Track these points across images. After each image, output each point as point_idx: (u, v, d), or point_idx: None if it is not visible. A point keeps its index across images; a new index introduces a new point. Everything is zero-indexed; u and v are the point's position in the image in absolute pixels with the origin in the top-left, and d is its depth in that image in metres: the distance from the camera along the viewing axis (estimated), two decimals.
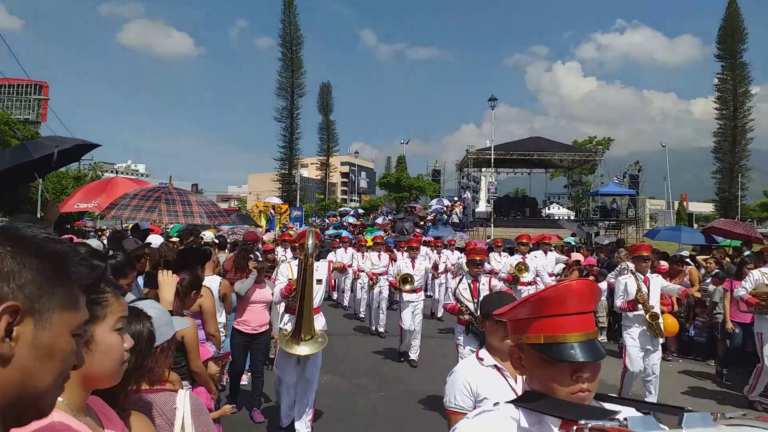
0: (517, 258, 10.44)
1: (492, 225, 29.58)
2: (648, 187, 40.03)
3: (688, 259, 11.04)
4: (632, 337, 6.56)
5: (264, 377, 6.37)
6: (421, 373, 8.32)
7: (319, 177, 68.86)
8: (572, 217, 38.44)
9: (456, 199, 34.86)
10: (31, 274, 0.86)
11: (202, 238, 11.30)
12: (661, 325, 6.57)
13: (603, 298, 11.74)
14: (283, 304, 6.07)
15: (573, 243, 16.12)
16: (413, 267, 9.46)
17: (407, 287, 9.03)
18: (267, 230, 21.50)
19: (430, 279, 12.53)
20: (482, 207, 33.40)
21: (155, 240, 7.76)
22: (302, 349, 5.18)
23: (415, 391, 7.47)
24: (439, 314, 13.00)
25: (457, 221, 29.68)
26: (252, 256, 6.59)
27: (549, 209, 43.62)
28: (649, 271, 6.80)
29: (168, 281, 3.14)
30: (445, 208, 32.67)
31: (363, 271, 12.71)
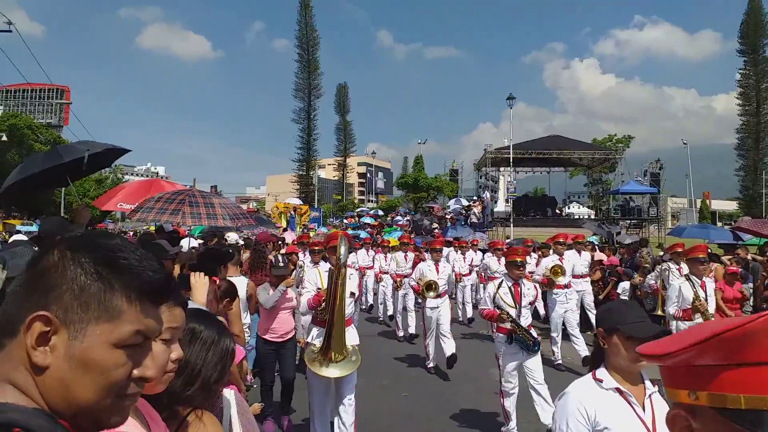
0: (553, 259, 9.54)
1: (511, 225, 29.40)
2: (669, 185, 39.52)
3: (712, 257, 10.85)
4: None
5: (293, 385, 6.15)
6: (447, 378, 8.26)
7: (336, 178, 69.20)
8: (592, 216, 38.10)
9: (475, 198, 34.75)
10: (72, 285, 0.87)
11: (226, 240, 11.42)
12: None
13: (625, 297, 11.63)
14: (309, 315, 5.64)
15: (596, 242, 15.96)
16: (437, 271, 8.90)
17: (431, 294, 8.50)
18: (285, 230, 21.57)
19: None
20: (501, 207, 33.18)
21: (183, 244, 7.86)
22: (332, 371, 4.63)
23: (438, 392, 7.48)
24: (461, 318, 12.57)
25: (476, 221, 29.58)
26: (274, 260, 6.41)
27: (569, 208, 43.30)
28: (708, 274, 6.25)
29: (200, 283, 3.17)
30: (463, 209, 32.61)
31: (386, 273, 12.26)
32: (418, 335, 10.54)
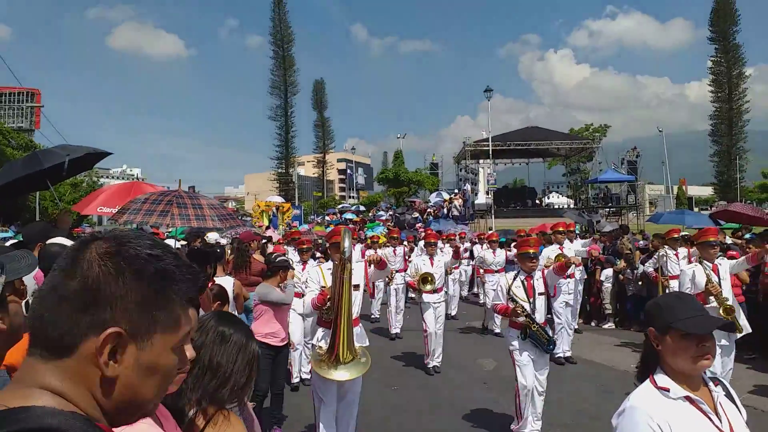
0: (554, 249, 9.29)
1: (492, 217, 29.59)
2: (646, 173, 39.99)
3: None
4: None
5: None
6: (440, 374, 8.29)
7: (316, 175, 68.92)
8: (572, 206, 38.48)
9: (456, 191, 34.87)
10: (135, 298, 0.87)
11: (205, 240, 11.23)
12: (739, 320, 5.92)
13: (609, 284, 11.79)
14: (314, 317, 5.34)
15: (576, 231, 16.10)
16: (432, 265, 8.71)
17: (428, 287, 8.29)
18: (267, 228, 21.41)
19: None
20: (482, 199, 33.31)
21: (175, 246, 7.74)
22: (341, 374, 4.37)
23: (426, 384, 7.52)
24: (453, 312, 12.54)
25: (458, 214, 29.70)
26: (273, 258, 6.26)
27: (548, 198, 43.63)
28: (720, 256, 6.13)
29: None
30: (444, 202, 32.71)
31: None
32: (402, 337, 10.60)
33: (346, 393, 4.78)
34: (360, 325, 4.99)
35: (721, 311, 5.65)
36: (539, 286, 5.51)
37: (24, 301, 1.85)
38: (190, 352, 1.37)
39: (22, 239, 4.56)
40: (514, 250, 11.51)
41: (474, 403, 6.67)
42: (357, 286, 4.86)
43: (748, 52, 51.89)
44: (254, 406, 4.35)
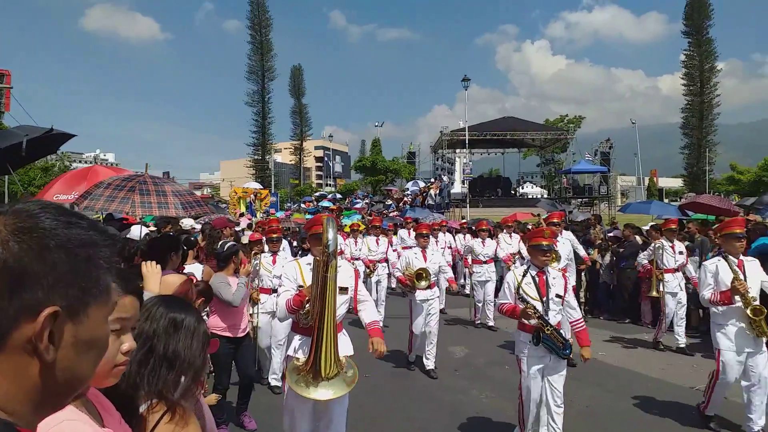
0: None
1: (468, 206, 29.72)
2: (619, 164, 40.58)
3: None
4: (728, 337, 5.12)
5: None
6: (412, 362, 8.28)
7: (293, 162, 68.44)
8: (546, 196, 38.85)
9: (432, 180, 34.94)
10: (64, 272, 0.80)
11: (180, 226, 11.06)
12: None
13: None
14: (288, 321, 4.49)
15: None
16: (425, 259, 7.77)
17: (423, 284, 7.39)
18: (241, 215, 21.13)
19: None
20: (458, 188, 33.49)
21: (135, 231, 7.58)
22: (323, 392, 3.61)
23: (404, 374, 7.51)
24: (443, 305, 11.80)
25: (433, 203, 29.77)
26: (220, 247, 5.82)
27: (523, 188, 44.01)
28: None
29: (152, 272, 3.07)
30: (420, 190, 32.77)
31: (358, 258, 11.29)
32: (387, 326, 10.20)
33: (328, 414, 4.06)
34: (344, 330, 4.31)
35: (748, 312, 5.00)
36: (556, 285, 4.82)
37: None
38: (129, 343, 1.32)
39: None
40: (506, 241, 11.30)
41: (446, 392, 6.70)
42: (344, 290, 4.17)
43: (720, 47, 52.82)
44: (219, 398, 4.29)
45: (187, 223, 11.52)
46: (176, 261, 4.76)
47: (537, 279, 4.82)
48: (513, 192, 37.82)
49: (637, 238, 11.25)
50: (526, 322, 4.70)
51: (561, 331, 4.74)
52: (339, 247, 5.96)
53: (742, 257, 5.28)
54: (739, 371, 5.09)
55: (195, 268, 6.11)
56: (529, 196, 39.23)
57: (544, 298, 4.75)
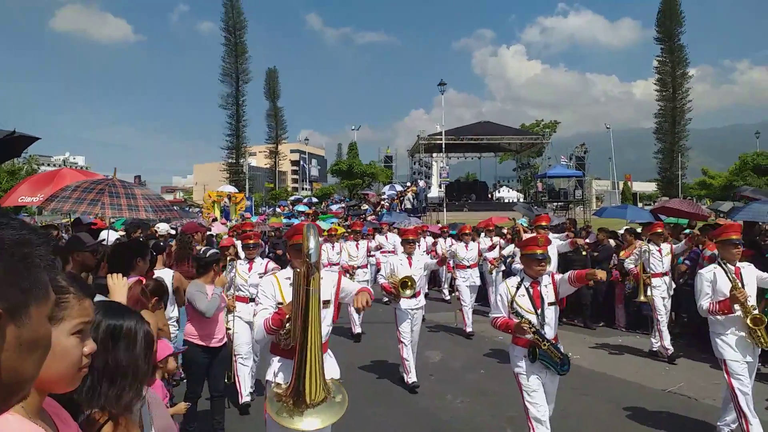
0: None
1: (444, 209, 29.77)
2: (593, 168, 41.14)
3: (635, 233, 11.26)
4: (731, 346, 4.89)
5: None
6: (387, 367, 8.20)
7: (268, 165, 67.96)
8: (522, 199, 39.14)
9: (409, 184, 34.96)
10: (2, 274, 0.82)
11: (156, 231, 10.93)
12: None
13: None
14: (267, 341, 4.00)
15: (525, 224, 16.31)
16: (410, 265, 7.39)
17: (408, 293, 6.94)
18: (214, 220, 20.86)
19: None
20: (434, 192, 33.57)
21: (111, 236, 7.37)
22: (310, 422, 3.10)
23: (380, 381, 7.42)
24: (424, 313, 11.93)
25: (410, 206, 29.76)
26: (202, 252, 5.66)
27: (499, 192, 44.30)
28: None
29: (119, 284, 2.92)
30: (397, 194, 32.77)
31: (336, 263, 10.86)
32: (365, 333, 9.96)
33: None
34: (329, 351, 3.94)
35: (748, 322, 4.79)
36: (548, 294, 4.55)
37: None
38: (90, 346, 1.29)
39: None
40: (486, 245, 11.22)
41: (421, 396, 6.64)
42: (326, 303, 3.84)
43: (692, 53, 53.99)
44: (189, 407, 4.15)
45: (163, 227, 11.37)
46: (143, 267, 4.61)
47: (531, 290, 4.53)
48: (489, 196, 38.04)
49: (611, 241, 11.33)
50: (519, 335, 4.44)
51: (558, 345, 4.46)
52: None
53: (738, 263, 5.11)
54: (749, 379, 4.81)
55: (164, 274, 5.98)
56: (506, 200, 39.52)
57: (539, 311, 4.48)
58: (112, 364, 1.65)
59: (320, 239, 3.34)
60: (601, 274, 4.34)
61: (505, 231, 14.47)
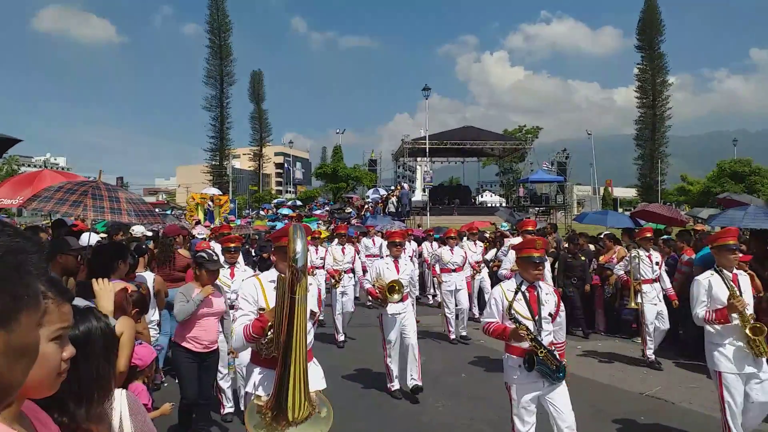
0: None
1: (428, 213, 29.88)
2: (575, 174, 41.59)
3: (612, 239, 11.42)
4: (728, 357, 4.65)
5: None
6: (366, 373, 8.22)
7: (252, 168, 67.65)
8: (504, 204, 39.38)
9: (392, 188, 35.03)
10: None
11: (131, 233, 10.77)
12: None
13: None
14: (248, 351, 3.80)
15: (507, 229, 16.47)
16: (398, 270, 7.16)
17: (395, 297, 6.71)
18: (197, 223, 20.73)
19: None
20: (418, 196, 33.68)
21: (93, 239, 7.31)
22: None
23: (358, 387, 7.44)
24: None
25: (394, 210, 29.81)
26: (206, 255, 5.42)
27: (482, 197, 44.48)
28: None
29: (105, 290, 2.92)
30: (381, 198, 32.81)
31: (320, 267, 10.66)
32: (348, 340, 9.86)
33: None
34: (314, 359, 3.72)
35: (747, 332, 4.57)
36: (549, 303, 4.35)
37: None
38: (69, 351, 1.28)
39: None
40: (470, 249, 11.14)
41: (400, 400, 6.67)
42: (314, 313, 3.68)
43: (671, 62, 54.95)
44: (173, 406, 4.15)
45: (137, 230, 11.18)
46: (124, 269, 4.61)
47: (528, 295, 4.33)
48: (473, 200, 38.18)
49: (591, 246, 11.49)
50: (516, 344, 4.23)
51: (554, 351, 4.23)
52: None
53: (735, 270, 4.88)
54: (742, 393, 4.61)
55: (146, 277, 5.96)
56: (488, 205, 39.67)
57: (536, 317, 4.26)
58: (75, 382, 1.51)
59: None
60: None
61: (487, 235, 14.62)
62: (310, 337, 3.65)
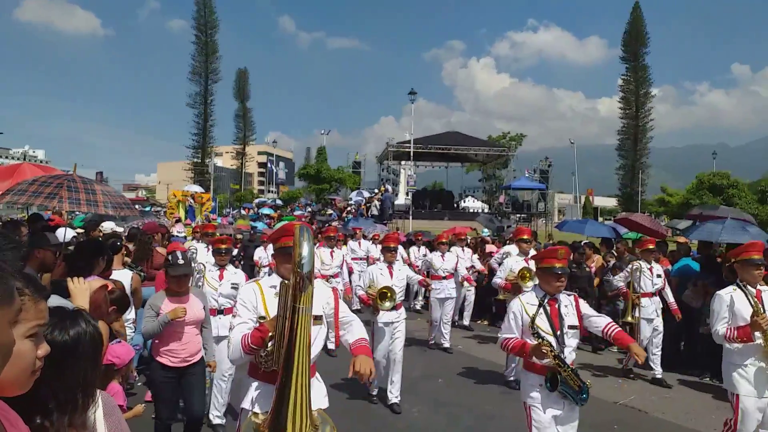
0: (518, 260, 8.11)
1: (410, 217, 29.91)
2: (557, 182, 41.92)
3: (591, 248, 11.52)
4: (748, 379, 4.34)
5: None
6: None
7: (234, 167, 67.35)
8: (486, 210, 39.60)
9: (376, 191, 35.03)
10: None
11: (100, 230, 10.42)
12: None
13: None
14: (246, 363, 3.40)
15: (487, 235, 16.55)
16: (391, 276, 6.89)
17: (387, 305, 6.43)
18: (177, 221, 20.47)
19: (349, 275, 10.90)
20: (401, 200, 33.66)
21: (68, 234, 7.19)
22: None
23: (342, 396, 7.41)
24: None
25: (377, 213, 29.79)
26: (171, 258, 4.88)
27: (465, 202, 44.65)
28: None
29: (80, 288, 2.86)
30: (365, 201, 32.81)
31: (335, 276, 9.90)
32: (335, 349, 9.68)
33: None
34: (317, 375, 3.43)
35: None
36: (569, 314, 4.05)
37: None
38: (44, 349, 1.26)
39: None
40: (459, 255, 10.56)
41: (377, 405, 6.63)
42: (318, 318, 3.28)
43: (655, 74, 55.73)
44: (144, 408, 4.08)
45: (107, 226, 10.90)
46: (101, 266, 4.54)
47: (548, 308, 4.01)
48: (455, 205, 38.30)
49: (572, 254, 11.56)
50: (537, 361, 3.91)
51: (576, 370, 3.94)
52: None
53: (759, 286, 4.54)
54: (758, 418, 4.34)
55: (123, 275, 5.87)
56: (471, 210, 39.89)
57: (558, 332, 3.95)
58: (56, 389, 1.47)
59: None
60: (641, 358, 3.99)
61: (468, 240, 14.66)
62: (317, 348, 3.30)
